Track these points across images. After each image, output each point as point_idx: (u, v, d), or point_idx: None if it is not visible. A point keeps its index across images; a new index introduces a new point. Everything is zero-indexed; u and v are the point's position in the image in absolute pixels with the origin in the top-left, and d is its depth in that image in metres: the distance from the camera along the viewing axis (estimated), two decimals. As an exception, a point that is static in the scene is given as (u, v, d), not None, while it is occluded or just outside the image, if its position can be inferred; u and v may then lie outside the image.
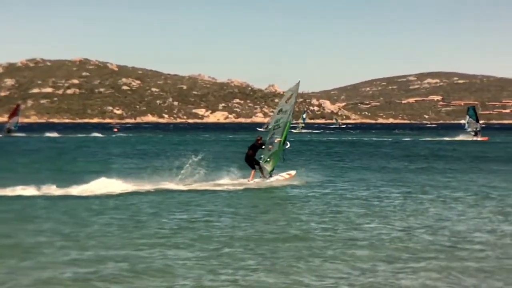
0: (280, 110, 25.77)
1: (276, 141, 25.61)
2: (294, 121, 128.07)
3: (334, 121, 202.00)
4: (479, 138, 74.42)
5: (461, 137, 77.28)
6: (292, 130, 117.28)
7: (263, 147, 25.89)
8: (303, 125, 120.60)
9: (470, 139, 74.51)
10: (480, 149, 53.46)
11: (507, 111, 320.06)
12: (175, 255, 12.25)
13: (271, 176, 25.81)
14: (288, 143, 25.97)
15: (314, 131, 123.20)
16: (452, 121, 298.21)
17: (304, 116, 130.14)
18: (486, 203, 19.85)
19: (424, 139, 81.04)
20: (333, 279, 10.70)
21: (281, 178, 25.65)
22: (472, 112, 77.84)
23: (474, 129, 76.47)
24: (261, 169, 25.73)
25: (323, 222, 16.15)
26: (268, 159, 25.89)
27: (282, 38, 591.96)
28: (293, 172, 26.19)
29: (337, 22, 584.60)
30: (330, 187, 24.16)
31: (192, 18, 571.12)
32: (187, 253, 12.38)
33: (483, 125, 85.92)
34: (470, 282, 10.72)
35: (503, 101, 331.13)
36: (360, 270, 11.21)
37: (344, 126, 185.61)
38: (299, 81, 25.56)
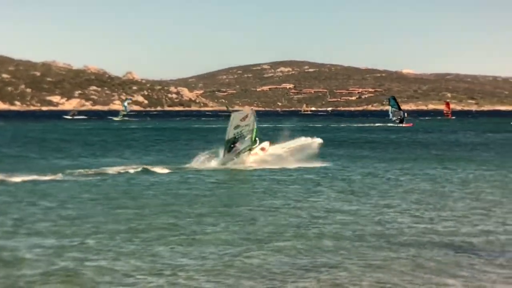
0: (237, 126, 28.56)
1: (246, 139, 28.64)
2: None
3: (225, 108, 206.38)
4: (404, 124, 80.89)
5: (388, 124, 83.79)
6: (114, 118, 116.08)
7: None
8: (125, 113, 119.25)
9: (396, 125, 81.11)
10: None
11: (353, 98, 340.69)
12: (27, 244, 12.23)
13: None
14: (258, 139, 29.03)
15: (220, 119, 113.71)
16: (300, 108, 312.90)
17: (126, 104, 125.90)
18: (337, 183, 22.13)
19: (356, 125, 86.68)
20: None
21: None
22: (393, 102, 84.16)
23: (399, 117, 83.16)
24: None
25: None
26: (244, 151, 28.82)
27: (138, 25, 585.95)
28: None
29: (194, 10, 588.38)
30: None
31: (45, 2, 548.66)
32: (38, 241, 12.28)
33: (333, 112, 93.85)
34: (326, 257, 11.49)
35: (350, 89, 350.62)
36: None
37: None
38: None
